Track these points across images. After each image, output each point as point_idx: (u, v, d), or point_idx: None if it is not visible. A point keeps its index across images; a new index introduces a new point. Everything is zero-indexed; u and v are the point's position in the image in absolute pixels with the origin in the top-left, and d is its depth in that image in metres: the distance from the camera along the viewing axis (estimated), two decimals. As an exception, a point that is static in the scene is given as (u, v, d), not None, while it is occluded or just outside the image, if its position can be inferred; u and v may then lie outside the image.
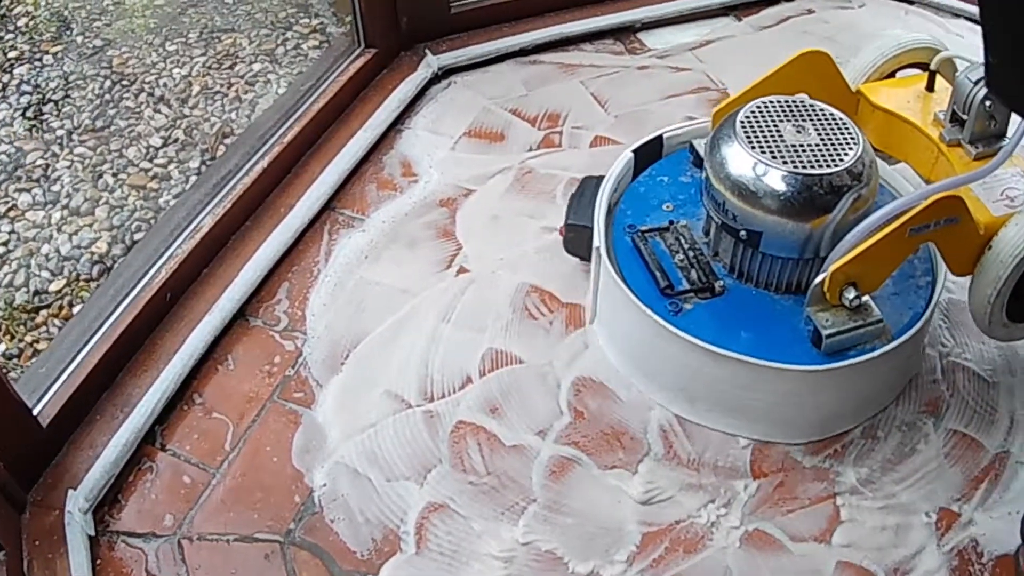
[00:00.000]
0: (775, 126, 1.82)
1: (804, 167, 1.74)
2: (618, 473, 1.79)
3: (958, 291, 2.10)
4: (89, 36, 3.13)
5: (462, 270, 2.12)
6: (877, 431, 1.87)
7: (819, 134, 1.81)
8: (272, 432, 1.83)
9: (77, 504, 1.69)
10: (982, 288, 1.82)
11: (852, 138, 1.80)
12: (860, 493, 1.78)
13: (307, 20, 3.19)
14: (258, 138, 2.35)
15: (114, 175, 2.66)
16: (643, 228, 1.97)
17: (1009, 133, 1.89)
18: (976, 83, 1.85)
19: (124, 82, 2.96)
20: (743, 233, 1.80)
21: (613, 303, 1.93)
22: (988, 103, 1.85)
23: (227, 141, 2.72)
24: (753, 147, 1.77)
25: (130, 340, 1.92)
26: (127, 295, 1.98)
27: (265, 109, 2.80)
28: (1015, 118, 1.83)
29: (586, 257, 2.04)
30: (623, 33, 2.83)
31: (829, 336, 1.74)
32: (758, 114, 1.84)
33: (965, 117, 1.89)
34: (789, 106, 1.86)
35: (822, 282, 1.74)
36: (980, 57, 1.66)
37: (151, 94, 2.90)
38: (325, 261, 2.14)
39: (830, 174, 1.74)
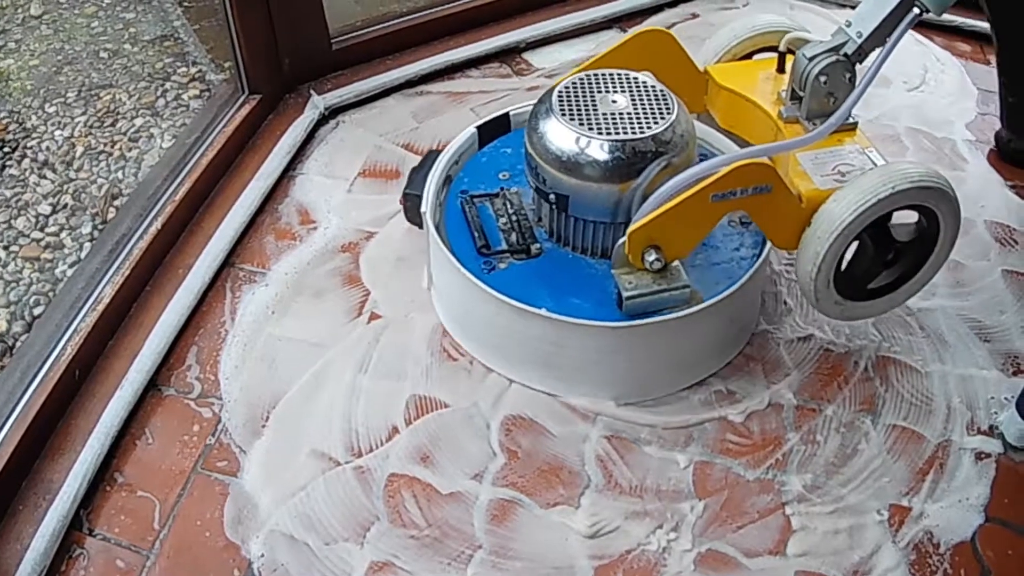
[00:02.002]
0: (591, 96, 1.90)
1: (610, 133, 1.81)
2: (561, 509, 1.75)
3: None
4: (-36, 104, 3.05)
5: (373, 316, 2.07)
6: (815, 435, 1.85)
7: (633, 104, 1.88)
8: (200, 505, 1.76)
9: (11, 603, 1.62)
10: (803, 264, 1.84)
11: (666, 108, 1.87)
12: (808, 500, 1.76)
13: (185, 69, 3.12)
14: (148, 198, 2.28)
15: (5, 248, 2.57)
16: (473, 193, 2.07)
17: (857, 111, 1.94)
18: (811, 59, 1.89)
19: (6, 148, 2.87)
20: (552, 197, 1.87)
21: (439, 265, 1.98)
22: (823, 79, 1.88)
23: (117, 203, 2.64)
24: (564, 115, 1.85)
25: (43, 423, 1.84)
26: (34, 376, 1.90)
27: (152, 166, 2.72)
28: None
29: (421, 225, 2.06)
30: (509, 55, 2.82)
31: (629, 298, 1.78)
32: (577, 85, 1.93)
33: (803, 94, 1.93)
34: (610, 78, 1.95)
35: (624, 244, 1.77)
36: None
37: (34, 159, 2.81)
38: (231, 320, 2.07)
39: (635, 139, 1.80)
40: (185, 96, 3.02)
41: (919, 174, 1.77)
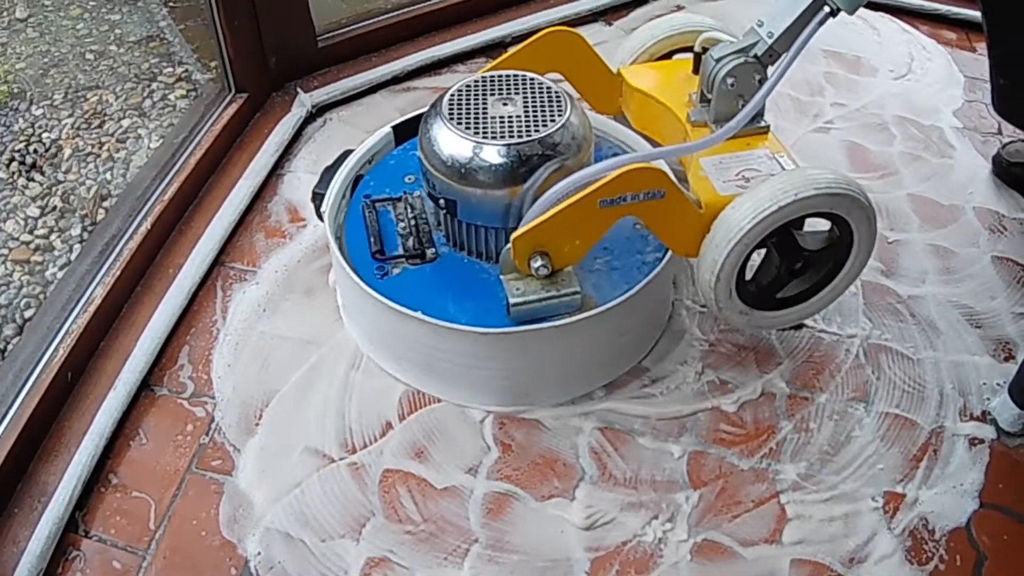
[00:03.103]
0: (483, 100, 1.86)
1: (497, 138, 1.78)
2: (556, 502, 1.75)
3: (869, 273, 2.09)
4: (-49, 109, 3.04)
5: (366, 311, 2.06)
6: (808, 423, 1.86)
7: (526, 107, 1.85)
8: (196, 505, 1.76)
9: (8, 606, 1.61)
10: (702, 273, 1.81)
11: (558, 110, 1.83)
12: (803, 488, 1.76)
13: (171, 69, 3.11)
14: (137, 198, 2.28)
15: (-6, 251, 2.57)
16: (376, 198, 2.04)
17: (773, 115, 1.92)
18: (719, 61, 1.86)
19: (-8, 152, 2.86)
20: (442, 202, 1.84)
21: (335, 267, 1.97)
22: (731, 81, 1.85)
23: (106, 204, 2.63)
24: (452, 119, 1.82)
25: (37, 426, 1.84)
26: (27, 379, 1.90)
27: (140, 166, 2.71)
28: (768, 99, 1.84)
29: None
30: (494, 50, 2.83)
31: (516, 305, 1.76)
32: (470, 89, 1.89)
33: (711, 97, 1.90)
34: (505, 81, 1.91)
35: (510, 250, 1.74)
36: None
37: (22, 162, 2.80)
38: (223, 319, 2.07)
39: (522, 143, 1.77)
40: (172, 96, 3.00)
41: (826, 181, 1.74)
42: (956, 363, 1.97)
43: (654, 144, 2.06)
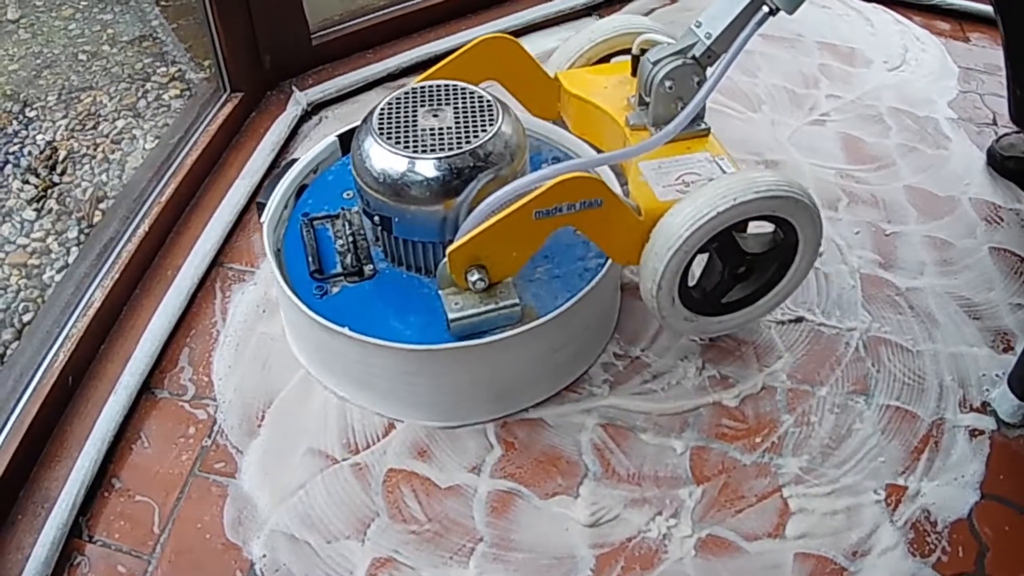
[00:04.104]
0: (413, 113, 1.81)
1: (427, 151, 1.74)
2: (560, 499, 1.75)
3: (867, 265, 2.10)
4: (-56, 111, 3.03)
5: (366, 310, 2.06)
6: (810, 417, 1.86)
7: (456, 118, 1.80)
8: (200, 508, 1.76)
9: (13, 614, 1.61)
10: (643, 281, 1.79)
11: (490, 119, 1.79)
12: (805, 482, 1.77)
13: (165, 69, 3.11)
14: (134, 200, 2.28)
15: (-9, 255, 2.57)
16: (313, 216, 1.99)
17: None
18: (656, 63, 1.82)
19: (-13, 155, 2.86)
20: (376, 219, 1.81)
21: (274, 281, 1.92)
22: (669, 84, 1.82)
23: (102, 206, 2.63)
24: (382, 134, 1.77)
25: (39, 431, 1.84)
26: (28, 384, 1.89)
27: (136, 167, 2.71)
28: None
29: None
30: (488, 46, 2.80)
31: (454, 320, 1.73)
32: (401, 102, 1.84)
33: (649, 100, 1.86)
34: (435, 91, 1.86)
35: (446, 264, 1.71)
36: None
37: (17, 165, 2.79)
38: (222, 321, 2.07)
39: (452, 156, 1.73)
40: (166, 96, 3.00)
41: (766, 184, 1.71)
42: (955, 355, 1.98)
43: (597, 150, 2.02)
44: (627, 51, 2.07)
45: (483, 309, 1.73)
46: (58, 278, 2.43)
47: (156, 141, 2.80)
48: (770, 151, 2.44)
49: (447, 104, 1.82)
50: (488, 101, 1.83)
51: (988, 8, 2.38)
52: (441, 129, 1.77)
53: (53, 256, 2.52)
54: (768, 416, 1.87)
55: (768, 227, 1.81)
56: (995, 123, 2.54)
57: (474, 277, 1.70)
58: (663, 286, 1.75)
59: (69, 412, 1.90)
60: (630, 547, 1.69)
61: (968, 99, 2.63)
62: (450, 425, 1.86)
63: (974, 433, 1.84)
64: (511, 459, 1.81)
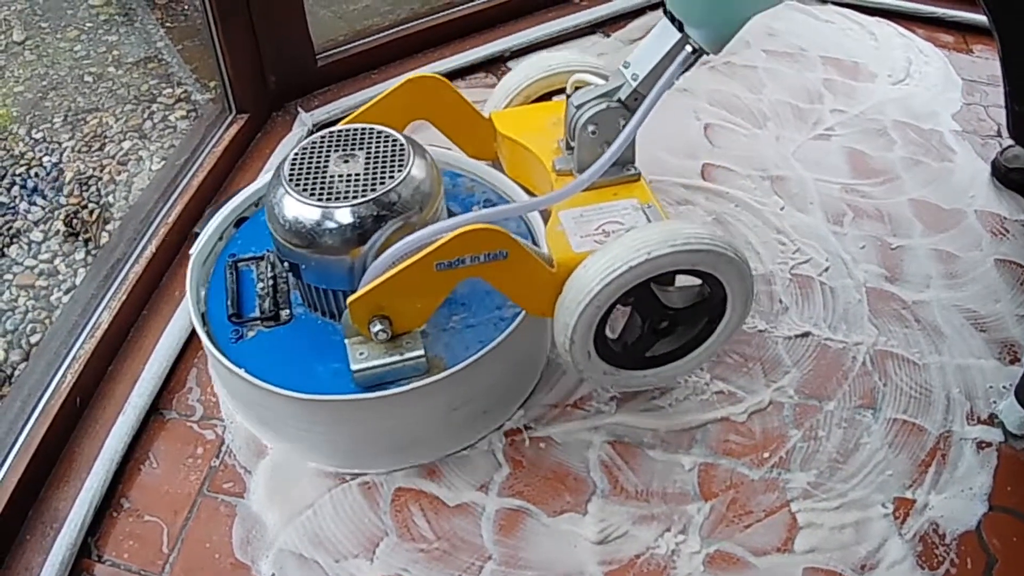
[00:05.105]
0: (325, 159, 1.75)
1: (336, 199, 1.68)
2: (568, 516, 1.75)
3: (873, 279, 2.10)
4: (-49, 135, 3.04)
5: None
6: (817, 431, 1.86)
7: (367, 163, 1.73)
8: (209, 528, 1.76)
9: (22, 636, 1.61)
10: (557, 335, 1.74)
11: (399, 166, 1.72)
12: (813, 496, 1.77)
13: (170, 90, 3.12)
14: (141, 221, 2.28)
15: (-1, 277, 2.57)
16: (240, 257, 1.96)
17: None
18: (579, 107, 1.77)
19: (-7, 177, 2.87)
20: (286, 264, 1.77)
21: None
22: (592, 128, 1.76)
23: (109, 227, 2.64)
24: (291, 180, 1.71)
25: (47, 452, 1.84)
26: (36, 405, 1.89)
27: (143, 188, 2.72)
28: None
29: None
30: (493, 64, 2.82)
31: (358, 371, 1.68)
32: (316, 146, 1.78)
33: (575, 144, 1.81)
34: (350, 136, 1.79)
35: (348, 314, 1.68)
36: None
37: (24, 186, 2.80)
38: (232, 340, 2.07)
39: (357, 204, 1.66)
40: (172, 117, 3.01)
41: (684, 237, 1.64)
42: (962, 367, 1.98)
43: (530, 193, 1.96)
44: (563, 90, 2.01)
45: (387, 360, 1.69)
46: (65, 299, 2.44)
47: (162, 162, 2.81)
48: (775, 167, 2.44)
49: (360, 148, 1.76)
50: (401, 144, 1.76)
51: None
52: (351, 176, 1.71)
53: (60, 277, 2.52)
54: (776, 431, 1.87)
55: (695, 281, 1.76)
56: (999, 135, 2.54)
57: (376, 328, 1.65)
58: (576, 340, 1.70)
59: (77, 433, 1.90)
60: (639, 564, 1.69)
61: (972, 111, 2.63)
62: (358, 471, 1.83)
63: (981, 445, 1.84)
64: (519, 477, 1.81)
